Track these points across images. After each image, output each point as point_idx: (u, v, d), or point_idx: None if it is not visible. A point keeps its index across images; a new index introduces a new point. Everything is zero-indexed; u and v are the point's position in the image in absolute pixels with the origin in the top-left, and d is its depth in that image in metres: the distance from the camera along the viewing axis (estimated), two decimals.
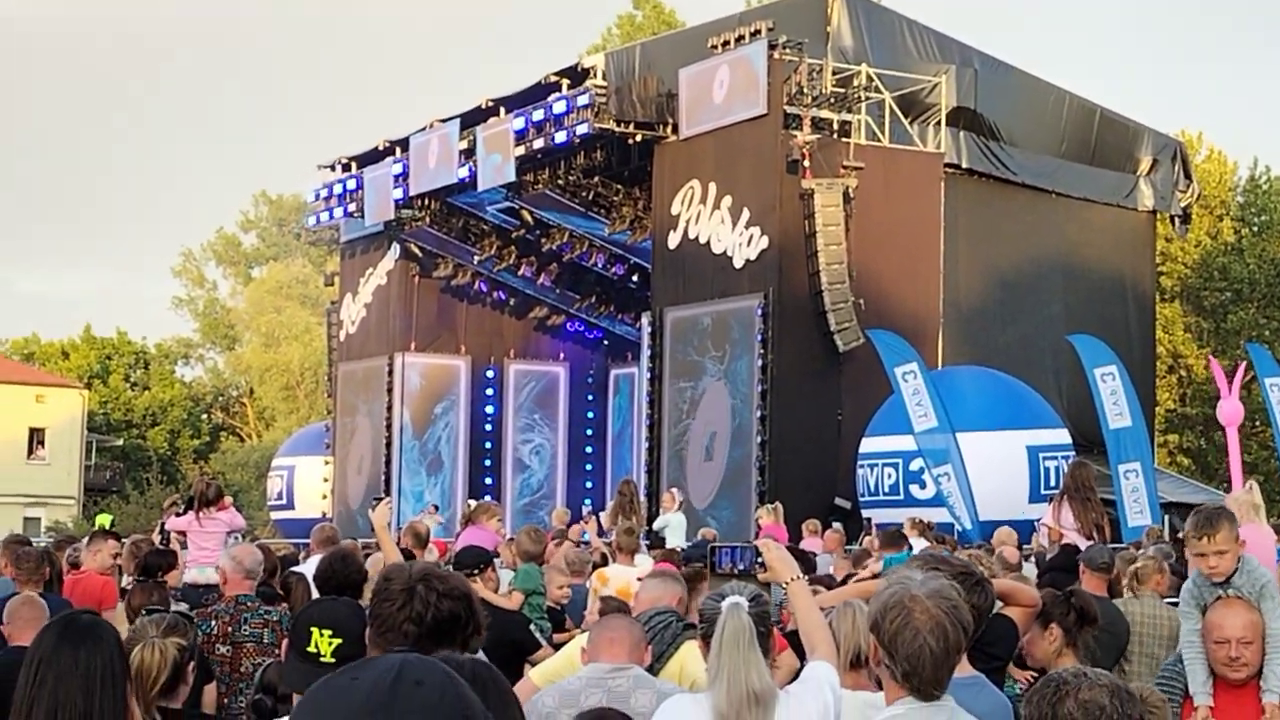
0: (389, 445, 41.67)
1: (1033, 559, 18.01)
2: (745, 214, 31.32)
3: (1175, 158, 38.99)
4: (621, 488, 26.70)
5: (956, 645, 4.55)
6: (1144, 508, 25.79)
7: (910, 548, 16.43)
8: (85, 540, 14.40)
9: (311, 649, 5.31)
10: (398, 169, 39.20)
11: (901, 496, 27.78)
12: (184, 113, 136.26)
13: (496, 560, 13.25)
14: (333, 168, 43.09)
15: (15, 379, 72.13)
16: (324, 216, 43.81)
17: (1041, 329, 35.06)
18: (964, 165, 34.51)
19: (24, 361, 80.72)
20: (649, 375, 34.08)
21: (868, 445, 29.16)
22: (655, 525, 26.77)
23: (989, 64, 35.68)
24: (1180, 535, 15.35)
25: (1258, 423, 45.39)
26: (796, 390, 30.55)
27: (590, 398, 44.84)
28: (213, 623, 9.86)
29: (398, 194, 39.21)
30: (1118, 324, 36.07)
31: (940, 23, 35.32)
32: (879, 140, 32.08)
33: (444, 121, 37.55)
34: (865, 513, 27.86)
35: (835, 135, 31.34)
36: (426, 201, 39.67)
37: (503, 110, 35.44)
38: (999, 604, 7.12)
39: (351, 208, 41.64)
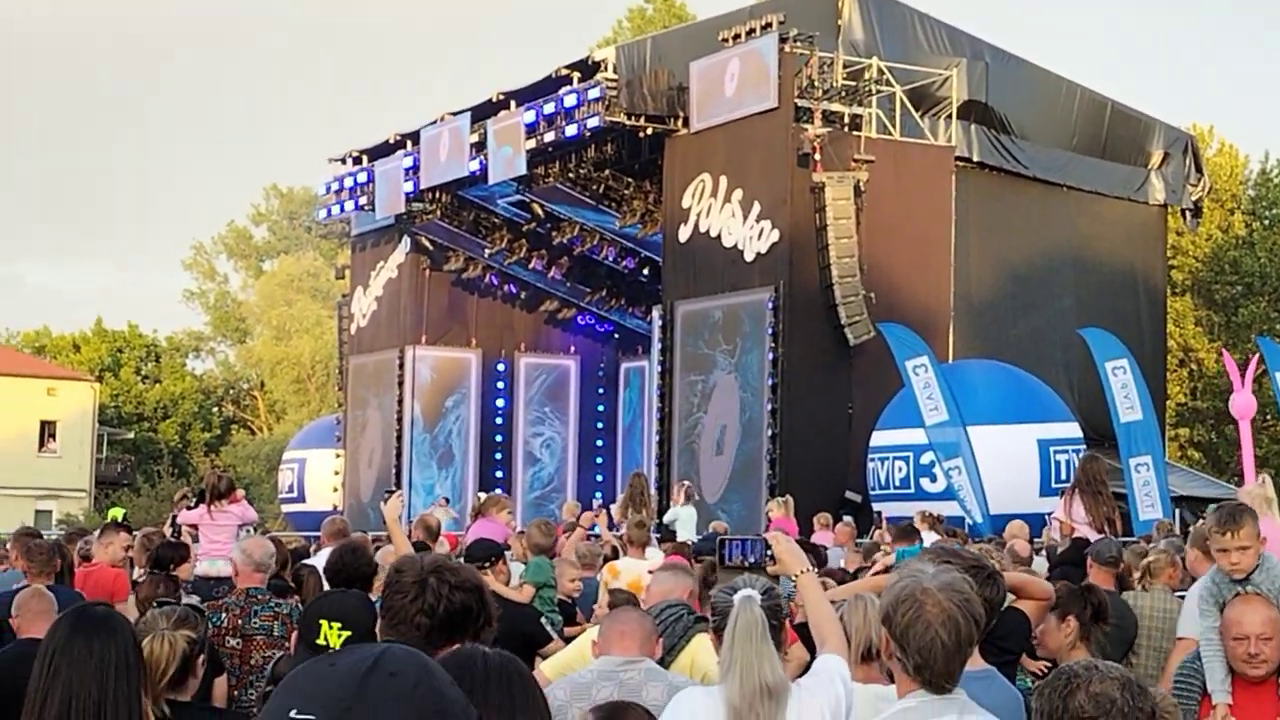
0: (400, 438, 41.70)
1: (1044, 552, 17.99)
2: (756, 207, 31.31)
3: (1186, 151, 38.93)
4: (632, 481, 26.72)
5: (968, 638, 4.54)
6: (1155, 501, 25.74)
7: (922, 541, 16.41)
8: (97, 533, 14.41)
9: (321, 641, 5.32)
10: (408, 162, 39.23)
11: (912, 490, 27.77)
12: (195, 107, 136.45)
13: (507, 553, 13.25)
14: (344, 161, 43.11)
15: (26, 372, 72.23)
16: (335, 210, 43.85)
17: (1052, 322, 35.03)
18: (975, 158, 34.48)
19: (35, 354, 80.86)
20: (660, 369, 34.08)
21: (878, 439, 29.14)
22: (665, 518, 26.78)
23: (1000, 57, 35.64)
24: (1191, 529, 15.31)
25: (1268, 416, 45.37)
26: (807, 384, 30.54)
27: (601, 391, 44.86)
28: (223, 615, 9.85)
29: (408, 187, 39.25)
30: (1128, 317, 36.03)
31: (951, 16, 35.35)
32: (890, 133, 32.04)
33: (455, 115, 37.57)
34: (876, 506, 27.85)
35: (846, 128, 31.32)
36: (437, 195, 39.71)
37: (513, 103, 35.45)
38: (1011, 597, 7.12)
39: (362, 201, 41.66)
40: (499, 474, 42.58)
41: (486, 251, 41.42)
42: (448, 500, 35.92)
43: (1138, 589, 11.69)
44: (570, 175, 36.92)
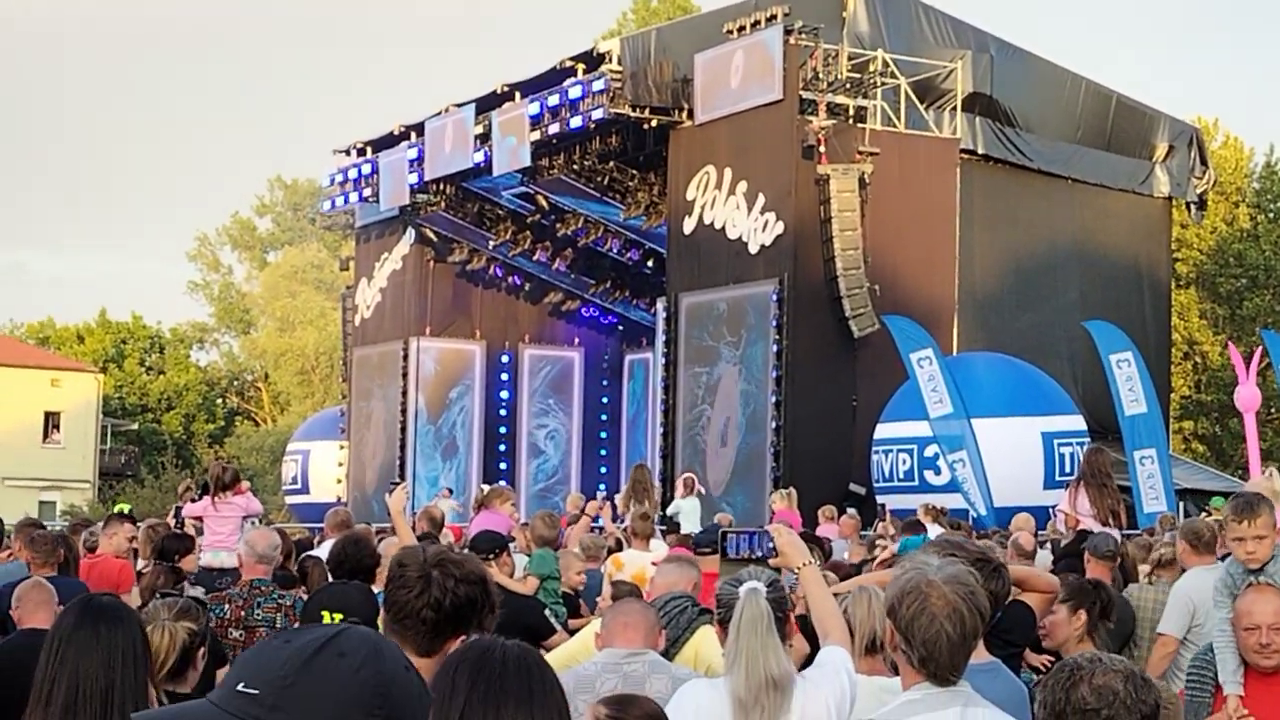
0: (404, 430, 41.70)
1: (1048, 545, 17.98)
2: (760, 199, 31.30)
3: (1191, 144, 38.90)
4: (635, 473, 26.66)
5: (973, 631, 4.54)
6: (1159, 494, 25.77)
7: (927, 533, 16.41)
8: (101, 524, 14.42)
9: None
10: (413, 154, 39.21)
11: (916, 482, 27.77)
12: (199, 98, 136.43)
13: (511, 545, 13.24)
14: (348, 152, 43.10)
15: (30, 363, 72.22)
16: (339, 201, 43.86)
17: (1057, 315, 35.02)
18: (980, 151, 34.48)
19: (39, 345, 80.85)
20: (664, 360, 34.07)
21: (882, 431, 29.14)
22: (669, 510, 26.78)
23: (1005, 50, 35.62)
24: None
25: (1272, 410, 45.39)
26: (811, 376, 30.53)
27: (605, 383, 44.85)
28: (226, 607, 9.86)
29: (413, 179, 39.23)
30: (1133, 310, 36.03)
31: (956, 8, 35.32)
32: (894, 126, 32.02)
33: (459, 106, 37.54)
34: (880, 498, 27.85)
35: (851, 121, 31.29)
36: (442, 186, 39.67)
37: (518, 95, 35.43)
38: (1015, 590, 7.10)
39: (367, 192, 41.65)
40: (503, 466, 42.57)
41: (491, 243, 41.40)
42: (451, 491, 35.94)
43: (1143, 581, 11.68)
44: (575, 167, 36.88)
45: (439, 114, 38.32)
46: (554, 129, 34.23)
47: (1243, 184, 55.98)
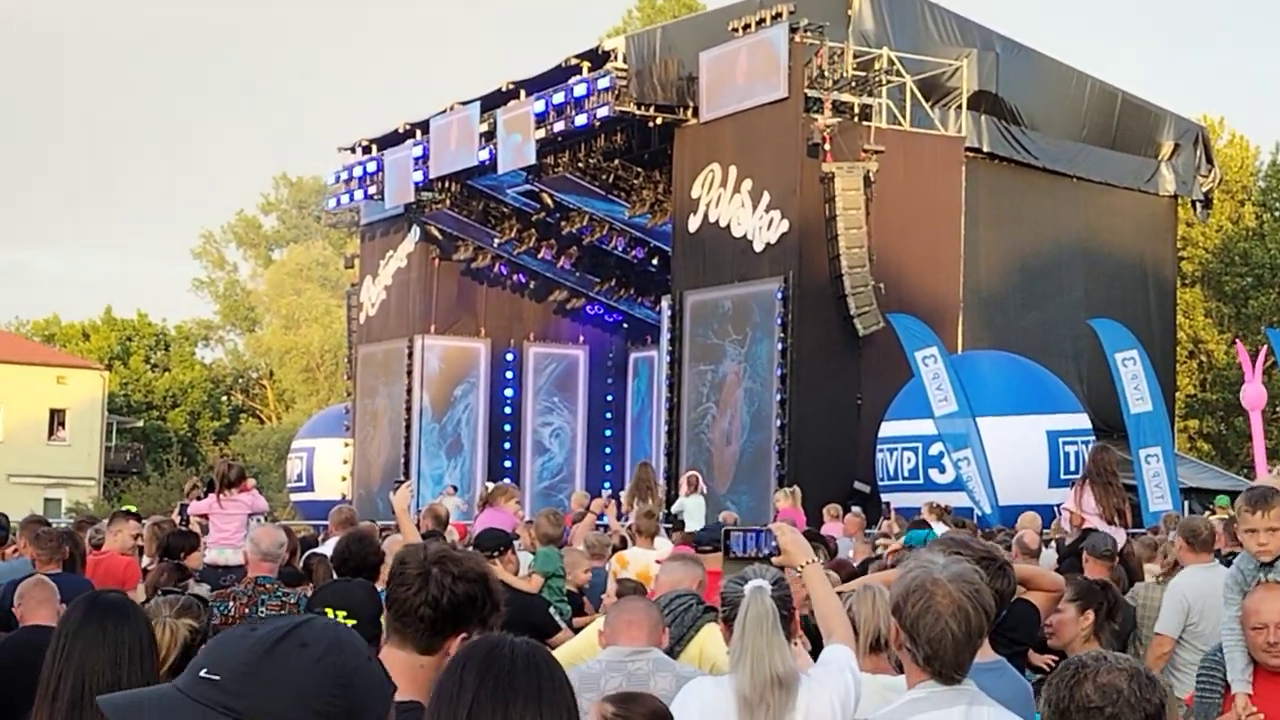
0: (408, 428, 41.71)
1: (1052, 544, 17.97)
2: (765, 197, 31.29)
3: (1197, 142, 38.88)
4: (638, 471, 26.68)
5: (979, 629, 4.53)
6: (1165, 493, 25.77)
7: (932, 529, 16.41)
8: (106, 521, 14.44)
9: None
10: (418, 151, 39.21)
11: (921, 481, 27.76)
12: (204, 96, 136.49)
13: (516, 543, 13.25)
14: (353, 150, 43.10)
15: (36, 360, 72.25)
16: (344, 199, 43.85)
17: (1062, 314, 35.01)
18: (985, 149, 34.47)
19: (45, 343, 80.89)
20: (669, 359, 34.06)
21: (887, 429, 29.13)
22: (674, 509, 26.78)
23: (1010, 48, 35.60)
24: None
25: (1277, 408, 45.30)
26: (816, 374, 30.52)
27: (610, 381, 44.85)
28: (230, 604, 9.86)
29: (418, 176, 39.22)
30: (1138, 309, 36.00)
31: (961, 6, 35.30)
32: (900, 124, 32.01)
33: (464, 104, 37.54)
34: (884, 497, 27.84)
35: (856, 119, 31.28)
36: (447, 184, 39.67)
37: (523, 93, 35.43)
38: (1020, 589, 7.09)
39: (372, 190, 41.65)
40: (507, 463, 42.57)
41: (495, 241, 41.39)
42: (456, 489, 35.95)
43: (1150, 581, 11.66)
44: (580, 165, 36.88)
45: (444, 112, 38.32)
46: (559, 127, 34.22)
47: (1248, 182, 55.97)
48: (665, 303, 35.56)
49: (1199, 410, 53.71)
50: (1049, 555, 15.53)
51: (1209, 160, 39.14)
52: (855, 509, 24.28)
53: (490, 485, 21.70)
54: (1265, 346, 29.04)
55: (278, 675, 2.38)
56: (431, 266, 42.31)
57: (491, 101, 36.52)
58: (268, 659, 2.40)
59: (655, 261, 40.29)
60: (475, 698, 3.20)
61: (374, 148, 41.97)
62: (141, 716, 2.40)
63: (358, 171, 42.16)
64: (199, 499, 17.28)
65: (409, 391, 41.87)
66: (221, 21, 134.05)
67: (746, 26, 31.71)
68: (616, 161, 36.85)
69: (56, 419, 71.28)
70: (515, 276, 42.95)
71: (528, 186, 39.34)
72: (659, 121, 33.54)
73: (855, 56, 31.42)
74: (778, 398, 30.66)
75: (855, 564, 13.96)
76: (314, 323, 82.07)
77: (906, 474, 28.34)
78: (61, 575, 10.22)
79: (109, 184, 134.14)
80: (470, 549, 9.82)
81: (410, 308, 42.35)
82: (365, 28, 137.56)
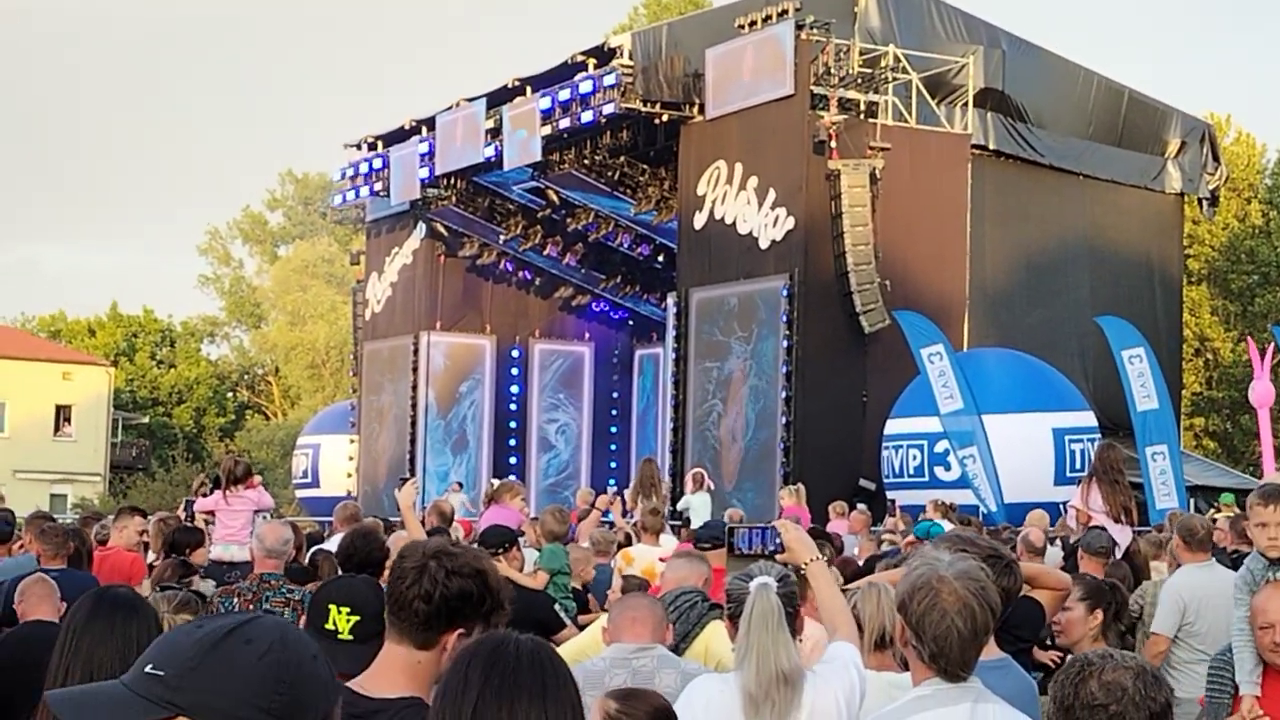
0: (414, 424, 41.73)
1: (1058, 542, 17.96)
2: (771, 194, 31.27)
3: (1203, 140, 38.84)
4: (642, 468, 26.66)
5: (984, 627, 4.53)
6: (1171, 490, 25.72)
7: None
8: (112, 517, 14.44)
9: (329, 626, 5.30)
10: (424, 148, 39.20)
11: (926, 478, 27.73)
12: (211, 92, 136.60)
13: (521, 539, 13.25)
14: (359, 147, 43.10)
15: (42, 356, 72.34)
16: (350, 195, 43.84)
17: (1068, 311, 34.98)
18: (991, 146, 34.45)
19: (51, 339, 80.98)
20: (674, 355, 34.05)
21: (893, 426, 29.11)
22: (679, 506, 26.77)
23: (1016, 45, 35.57)
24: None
25: None
26: (822, 371, 30.51)
27: (615, 378, 44.87)
28: (234, 600, 9.86)
29: (424, 173, 39.22)
30: (1144, 307, 35.97)
31: (968, 3, 35.27)
32: (906, 121, 31.98)
33: (470, 101, 37.54)
34: (890, 494, 27.81)
35: (862, 116, 31.26)
36: (452, 181, 39.67)
37: (529, 90, 35.41)
38: (1026, 587, 7.08)
39: (378, 187, 41.65)
40: (513, 460, 42.58)
41: (501, 238, 41.40)
42: (461, 486, 35.95)
43: (1155, 577, 11.64)
44: (585, 161, 36.87)
45: (450, 108, 38.32)
46: (565, 124, 34.21)
47: (1255, 180, 55.88)
48: (671, 300, 35.55)
49: (1205, 408, 53.66)
50: (1054, 553, 15.51)
51: (1215, 158, 39.10)
52: (860, 506, 24.22)
53: (495, 482, 21.72)
54: (1272, 344, 29.00)
55: (222, 671, 2.43)
56: (437, 263, 42.32)
57: (497, 98, 36.52)
58: (212, 655, 2.44)
59: (661, 258, 40.29)
60: (480, 695, 3.20)
61: (380, 144, 41.97)
62: (88, 712, 2.44)
63: (364, 168, 42.15)
64: (205, 495, 17.29)
65: (414, 388, 41.89)
66: (228, 18, 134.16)
67: (753, 23, 31.68)
68: (622, 158, 36.85)
69: (62, 415, 71.38)
70: (521, 273, 42.96)
71: (533, 183, 39.34)
72: (665, 118, 33.52)
73: (861, 53, 31.41)
74: (783, 395, 30.65)
75: (860, 561, 13.94)
76: (320, 319, 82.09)
77: (912, 471, 28.31)
78: (67, 571, 10.23)
79: (115, 180, 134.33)
80: (475, 545, 9.81)
81: (416, 304, 42.36)
82: (372, 26, 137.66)
